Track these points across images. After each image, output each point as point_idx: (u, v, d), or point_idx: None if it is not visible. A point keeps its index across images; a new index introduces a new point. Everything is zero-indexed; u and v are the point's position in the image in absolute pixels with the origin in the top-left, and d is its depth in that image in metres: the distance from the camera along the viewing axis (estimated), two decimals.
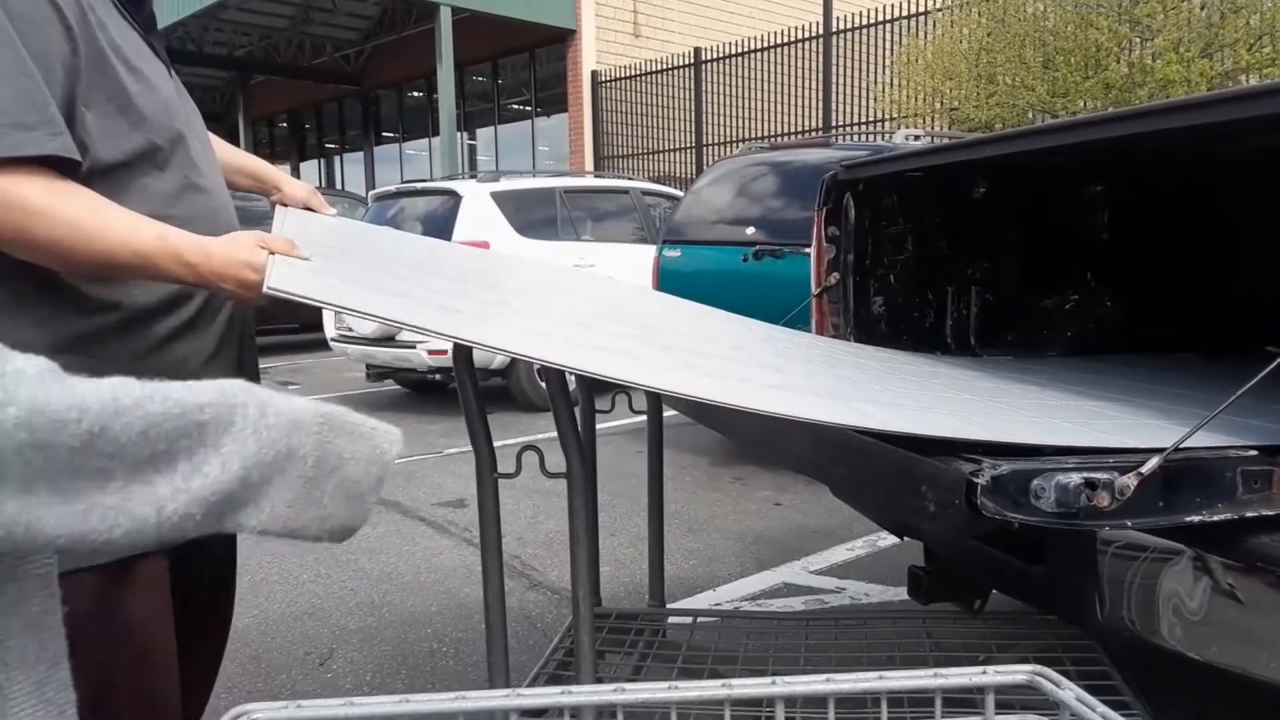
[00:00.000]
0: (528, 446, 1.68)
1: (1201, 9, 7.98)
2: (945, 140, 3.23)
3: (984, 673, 0.89)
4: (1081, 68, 7.96)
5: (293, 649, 2.98)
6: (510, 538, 3.95)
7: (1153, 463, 1.34)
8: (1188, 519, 1.38)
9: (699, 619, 2.54)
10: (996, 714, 0.90)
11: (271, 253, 1.23)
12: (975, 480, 1.33)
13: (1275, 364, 1.38)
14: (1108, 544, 1.56)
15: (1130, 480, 1.33)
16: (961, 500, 1.34)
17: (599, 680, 1.91)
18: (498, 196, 6.94)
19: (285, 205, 1.69)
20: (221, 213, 1.40)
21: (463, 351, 1.57)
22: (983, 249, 2.93)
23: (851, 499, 2.27)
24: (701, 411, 2.28)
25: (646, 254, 6.23)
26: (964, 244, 2.92)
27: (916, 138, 5.25)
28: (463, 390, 1.63)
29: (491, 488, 1.65)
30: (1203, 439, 1.48)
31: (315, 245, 1.38)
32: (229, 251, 1.21)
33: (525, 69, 16.72)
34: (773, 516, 4.27)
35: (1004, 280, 2.97)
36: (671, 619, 2.54)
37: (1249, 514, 1.40)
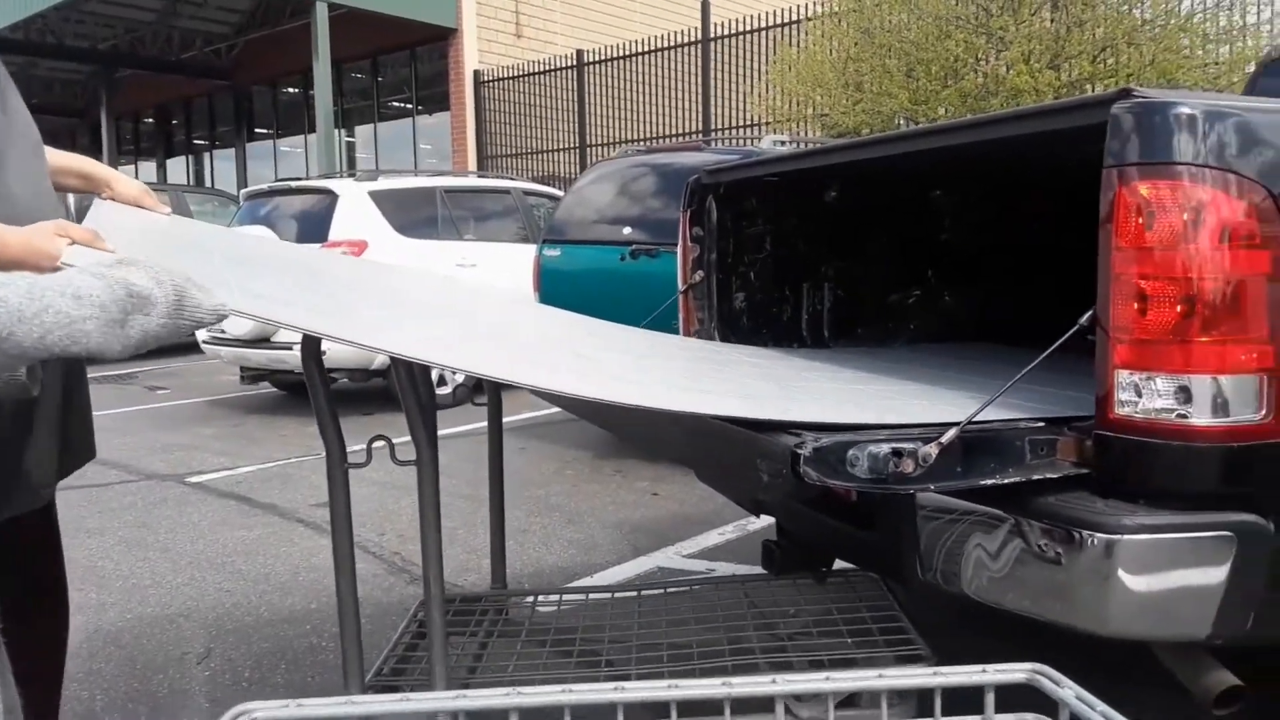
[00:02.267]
0: (378, 437, 1.76)
1: (1050, 23, 8.54)
2: (804, 146, 3.44)
3: (984, 672, 0.91)
4: (940, 77, 8.42)
5: (169, 649, 2.98)
6: (391, 534, 4.00)
7: (951, 433, 1.53)
8: (983, 482, 1.58)
9: (540, 598, 2.65)
10: (996, 714, 0.92)
11: (72, 241, 1.24)
12: (799, 452, 1.50)
13: (1050, 350, 1.60)
14: (924, 509, 1.76)
15: (932, 449, 1.52)
16: (788, 469, 1.51)
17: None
18: (376, 195, 6.91)
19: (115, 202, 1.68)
20: (25, 218, 1.36)
21: (310, 346, 1.65)
22: (835, 248, 3.14)
23: (711, 480, 2.44)
24: (583, 408, 2.41)
25: (528, 253, 6.33)
26: (818, 244, 3.13)
27: (782, 143, 5.50)
28: (310, 383, 1.70)
29: (342, 478, 1.73)
30: (1001, 412, 1.69)
31: (129, 238, 1.39)
32: (25, 239, 1.23)
33: (406, 66, 16.53)
34: (650, 506, 4.43)
35: (854, 277, 3.19)
36: (514, 599, 2.65)
37: (1036, 477, 1.61)
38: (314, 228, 6.74)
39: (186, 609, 3.31)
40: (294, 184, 7.50)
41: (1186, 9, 8.48)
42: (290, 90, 18.76)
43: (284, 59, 17.02)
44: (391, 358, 1.66)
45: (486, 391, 2.57)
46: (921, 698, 0.93)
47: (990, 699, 0.90)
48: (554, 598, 2.63)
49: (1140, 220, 1.49)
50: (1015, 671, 0.90)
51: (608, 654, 2.13)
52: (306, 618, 3.21)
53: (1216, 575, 1.49)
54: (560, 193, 7.72)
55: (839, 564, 2.63)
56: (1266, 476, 1.50)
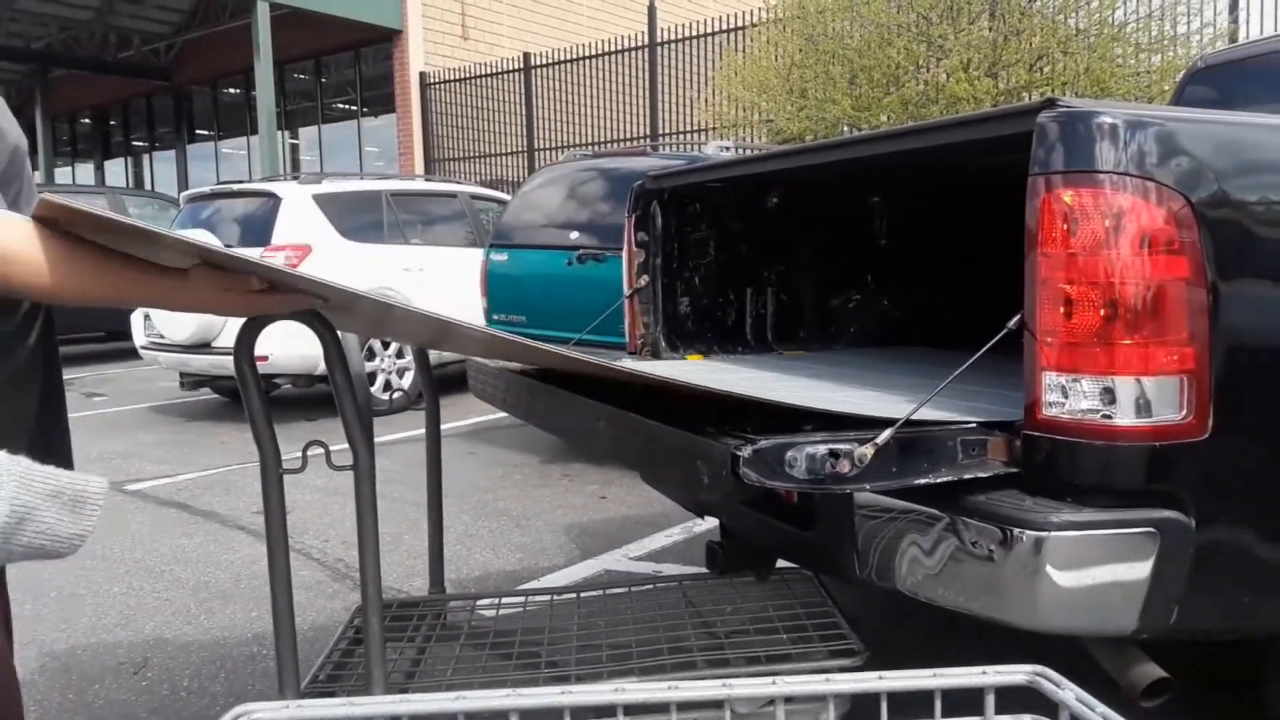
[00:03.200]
0: (313, 442, 1.75)
1: (988, 31, 8.72)
2: (749, 152, 3.48)
3: (984, 673, 0.91)
4: (882, 84, 8.56)
5: (105, 660, 2.92)
6: (335, 541, 3.95)
7: (885, 434, 1.57)
8: (917, 481, 1.62)
9: (479, 602, 2.65)
10: (996, 714, 0.92)
11: None
12: (738, 454, 1.52)
13: (979, 354, 1.64)
14: (862, 508, 1.80)
15: (868, 450, 1.55)
16: (728, 471, 1.53)
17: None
18: (320, 199, 6.83)
19: None
20: None
21: (244, 347, 1.64)
22: (778, 253, 3.19)
23: (655, 483, 2.46)
24: (526, 410, 2.41)
25: (475, 258, 6.30)
26: (761, 249, 3.17)
27: (727, 149, 5.56)
28: (244, 386, 1.69)
29: (276, 484, 1.72)
30: (936, 413, 1.73)
31: None
32: None
33: (350, 68, 16.34)
34: (598, 509, 4.44)
35: (797, 281, 3.23)
36: (453, 603, 2.64)
37: (967, 476, 1.65)
38: (256, 231, 6.64)
39: (124, 619, 3.24)
40: (236, 187, 7.37)
41: (1120, 19, 8.72)
42: (232, 91, 18.44)
43: (225, 59, 16.74)
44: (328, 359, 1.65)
45: (425, 396, 2.56)
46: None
47: (990, 700, 0.91)
48: (493, 601, 2.62)
49: (1065, 227, 1.54)
50: (1015, 673, 0.91)
51: (547, 655, 2.14)
52: (247, 625, 3.16)
53: (1141, 570, 1.54)
54: (508, 197, 7.70)
55: (781, 563, 2.66)
56: (1187, 474, 1.56)
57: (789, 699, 0.90)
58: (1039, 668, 0.91)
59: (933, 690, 0.91)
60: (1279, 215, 1.63)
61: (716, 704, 0.94)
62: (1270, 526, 1.62)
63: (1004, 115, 1.80)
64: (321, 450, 1.81)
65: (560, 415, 2.16)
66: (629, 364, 2.78)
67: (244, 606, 3.33)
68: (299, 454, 1.85)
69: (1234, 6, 8.95)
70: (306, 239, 6.55)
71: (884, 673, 0.90)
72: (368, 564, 1.80)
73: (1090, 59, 8.27)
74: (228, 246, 6.63)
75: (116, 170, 21.16)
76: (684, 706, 0.92)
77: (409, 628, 2.39)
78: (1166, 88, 7.87)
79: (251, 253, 6.52)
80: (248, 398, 1.74)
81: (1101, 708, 0.84)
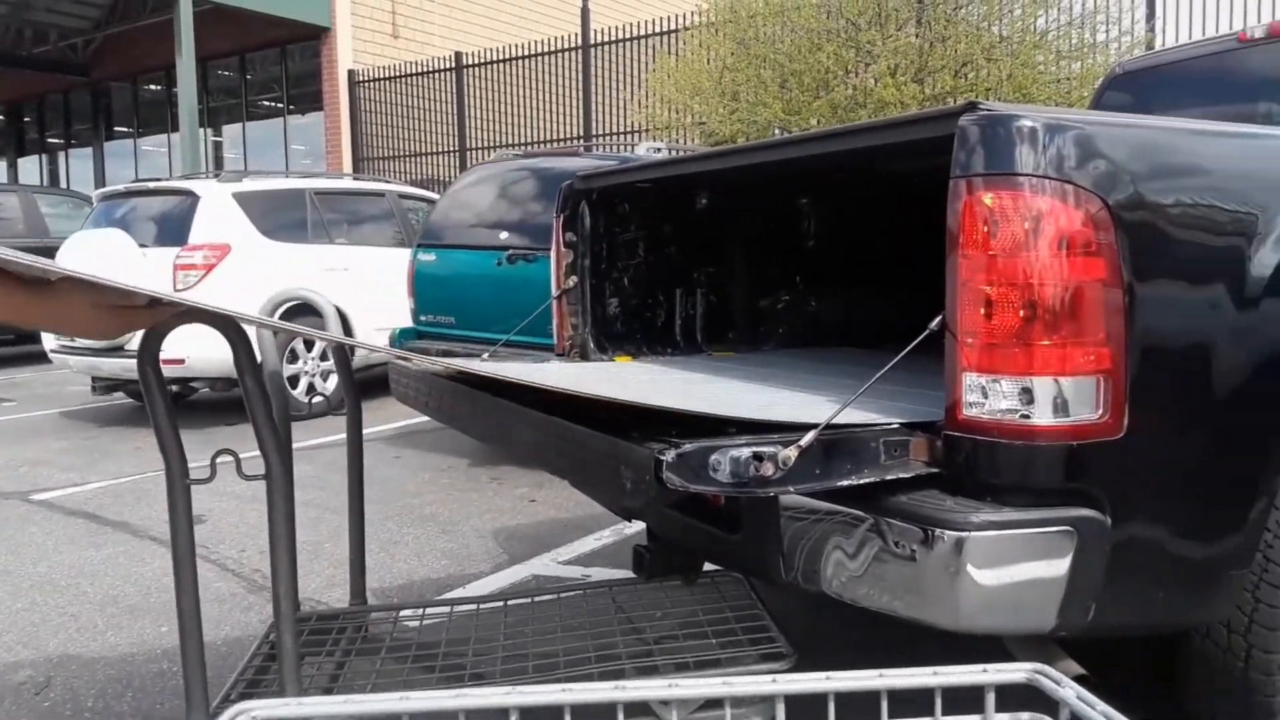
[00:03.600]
0: (222, 451, 1.68)
1: (915, 38, 8.87)
2: (678, 154, 3.46)
3: (984, 671, 0.92)
4: (812, 88, 8.64)
5: (5, 680, 2.77)
6: (253, 551, 3.83)
7: (809, 436, 1.56)
8: (840, 483, 1.61)
9: (402, 612, 2.58)
10: (996, 714, 0.92)
11: None
12: (661, 458, 1.49)
13: (901, 355, 1.64)
14: (787, 510, 1.78)
15: (791, 452, 1.54)
16: (651, 476, 1.50)
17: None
18: (241, 197, 6.64)
19: None
20: None
21: (149, 350, 1.56)
22: (707, 254, 3.17)
23: (581, 487, 2.42)
24: (449, 414, 2.35)
25: (404, 258, 6.18)
26: (690, 250, 3.15)
27: (658, 150, 5.54)
28: (148, 392, 1.61)
29: (183, 494, 1.64)
30: (860, 415, 1.73)
31: None
32: None
33: (276, 65, 15.98)
34: (527, 513, 4.38)
35: (726, 283, 3.22)
36: (374, 615, 2.57)
37: (890, 477, 1.64)
38: (173, 231, 6.43)
39: (26, 636, 3.09)
40: (152, 184, 7.13)
41: (1041, 26, 8.94)
42: (153, 88, 17.91)
43: (146, 55, 16.25)
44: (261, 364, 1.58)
45: (347, 400, 2.48)
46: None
47: (990, 699, 0.90)
48: (417, 612, 2.55)
49: (985, 229, 1.54)
50: (1015, 672, 0.90)
51: (472, 667, 2.08)
52: (157, 641, 3.04)
53: (1058, 568, 1.55)
54: (437, 196, 7.60)
55: (709, 566, 2.64)
56: (1104, 473, 1.58)
57: (786, 696, 0.90)
58: (1039, 666, 0.90)
59: (933, 689, 0.90)
60: (1192, 217, 1.65)
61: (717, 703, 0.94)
62: (1182, 523, 1.65)
63: (926, 118, 1.81)
64: (232, 458, 1.74)
65: (482, 419, 2.11)
66: (553, 367, 2.74)
67: (154, 621, 3.19)
68: (208, 463, 1.77)
69: (1150, 15, 9.24)
70: (225, 238, 6.36)
71: (884, 671, 0.90)
72: (281, 578, 1.73)
73: (1013, 66, 8.46)
74: (142, 246, 6.42)
75: (31, 168, 20.39)
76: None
77: (328, 641, 2.31)
78: (1086, 94, 8.09)
79: (168, 252, 6.32)
80: (152, 404, 1.66)
81: (1102, 705, 0.84)
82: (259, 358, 2.17)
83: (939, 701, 0.91)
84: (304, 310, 5.79)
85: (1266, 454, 1.68)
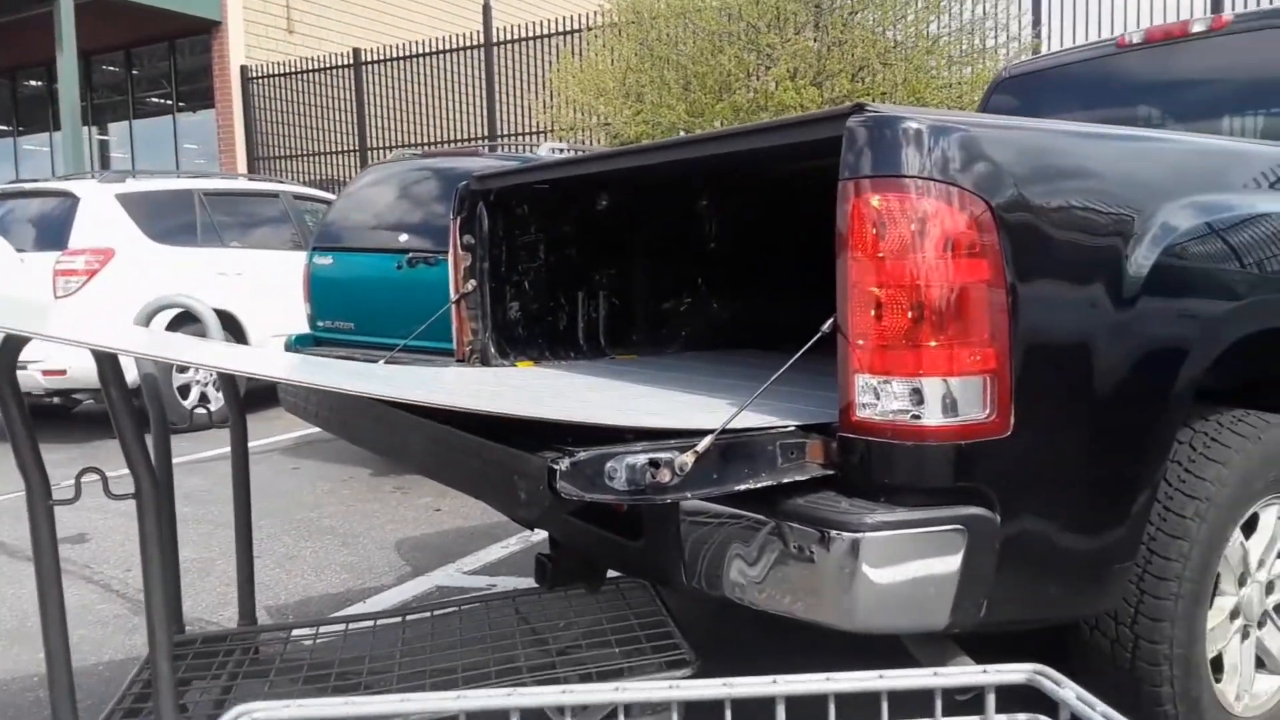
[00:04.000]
0: (87, 469, 1.59)
1: (814, 42, 9.01)
2: (578, 155, 3.43)
3: (984, 672, 0.93)
4: (715, 91, 8.70)
5: None
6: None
7: (705, 441, 1.54)
8: (738, 488, 1.60)
9: (294, 632, 2.49)
10: (996, 714, 0.93)
11: None
12: (555, 467, 1.46)
13: (795, 358, 1.64)
14: (687, 516, 1.77)
15: (688, 458, 1.52)
16: (545, 486, 1.47)
17: (182, 709, 1.83)
18: (125, 199, 6.35)
19: None
20: None
21: (4, 363, 1.46)
22: (609, 257, 3.15)
23: (478, 498, 2.36)
24: (340, 425, 2.27)
25: (300, 261, 6.00)
26: (592, 252, 3.12)
27: (561, 150, 5.50)
28: (4, 409, 1.51)
29: (46, 516, 1.55)
30: (756, 419, 1.72)
31: None
32: None
33: (165, 60, 15.37)
34: (432, 522, 4.29)
35: (628, 286, 3.21)
36: (265, 635, 2.47)
37: (786, 480, 1.64)
38: (52, 234, 6.11)
39: None
40: (29, 185, 6.77)
41: (934, 32, 9.19)
42: (33, 83, 17.03)
43: (26, 49, 15.39)
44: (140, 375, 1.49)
45: (230, 411, 2.38)
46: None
47: (991, 700, 0.90)
48: (310, 630, 2.46)
49: (873, 231, 1.56)
50: (1015, 672, 0.90)
51: (367, 686, 2.01)
52: (35, 667, 2.86)
53: (950, 566, 1.57)
54: (335, 197, 7.40)
55: (613, 573, 2.62)
56: (992, 471, 1.61)
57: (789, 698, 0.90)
58: (1039, 667, 0.91)
59: (932, 689, 0.91)
60: (1073, 218, 1.70)
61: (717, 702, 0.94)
62: (1068, 519, 1.69)
63: (816, 120, 1.82)
64: (99, 476, 1.64)
65: (373, 430, 2.04)
66: (450, 374, 2.68)
67: (31, 647, 3.01)
68: (73, 481, 1.67)
69: (1036, 21, 9.59)
70: (109, 242, 6.07)
71: (884, 671, 0.90)
72: (155, 604, 1.65)
73: (907, 70, 8.68)
74: (20, 251, 6.09)
75: None
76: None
77: (214, 665, 2.21)
78: (977, 98, 8.34)
79: (47, 257, 6.01)
80: (9, 421, 1.56)
81: (1102, 706, 0.84)
82: (141, 368, 2.06)
83: (939, 702, 0.92)
84: (188, 318, 5.56)
85: (1145, 448, 1.74)
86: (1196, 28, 3.17)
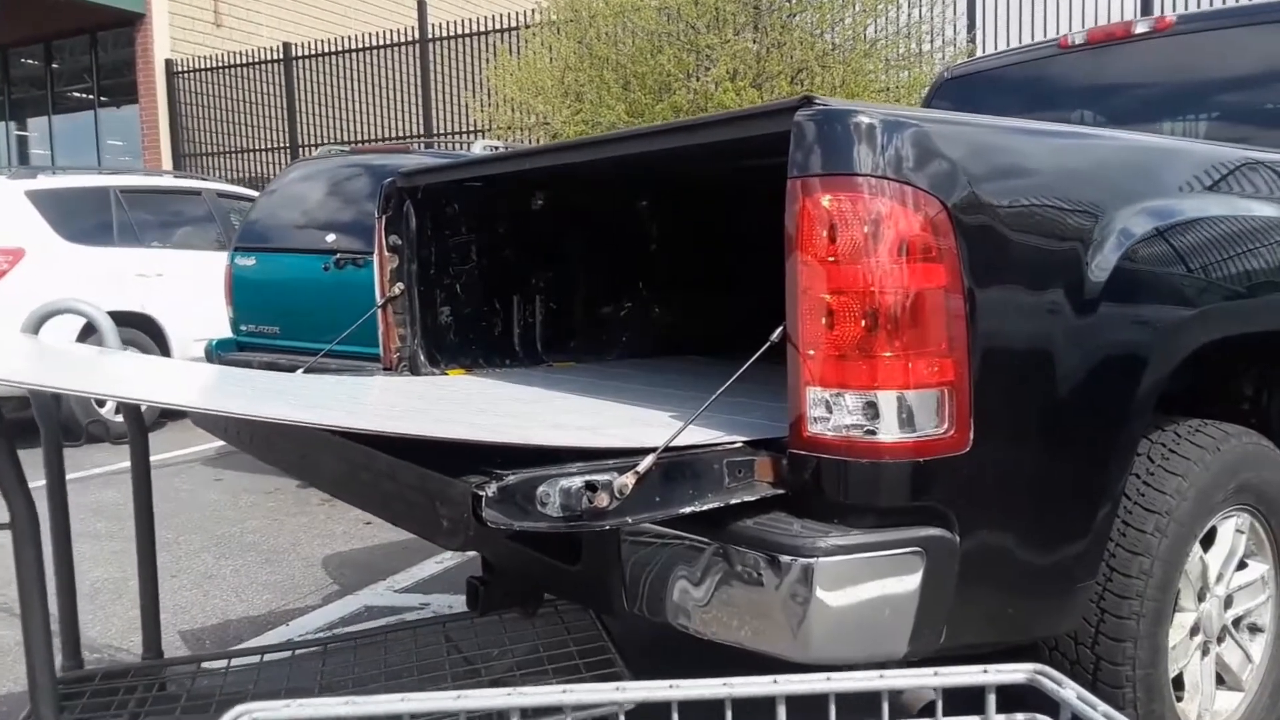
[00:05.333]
0: None
1: (753, 43, 8.96)
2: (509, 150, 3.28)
3: (984, 672, 0.91)
4: (654, 90, 8.60)
5: None
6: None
7: (647, 462, 1.42)
8: (682, 510, 1.48)
9: (203, 665, 2.31)
10: (996, 714, 0.91)
11: None
12: (480, 493, 1.32)
13: (742, 370, 1.53)
14: (628, 539, 1.64)
15: (629, 479, 1.40)
16: (469, 514, 1.33)
17: None
18: (35, 196, 6.02)
19: None
20: None
21: None
22: (545, 259, 3.01)
23: (396, 524, 2.21)
24: (248, 439, 2.10)
25: (224, 262, 5.74)
26: (527, 254, 2.98)
27: (495, 148, 5.35)
28: None
29: None
30: (701, 434, 1.61)
31: None
32: None
33: (86, 53, 14.80)
34: (362, 537, 4.10)
35: (566, 290, 3.07)
36: (171, 668, 2.29)
37: (734, 501, 1.53)
38: None
39: None
40: None
41: (871, 35, 9.21)
42: None
43: None
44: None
45: (128, 425, 2.19)
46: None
47: (991, 700, 0.89)
48: (221, 663, 2.28)
49: (824, 233, 1.45)
50: (1016, 672, 0.90)
51: None
52: None
53: (909, 592, 1.47)
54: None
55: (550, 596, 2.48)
56: (951, 489, 1.51)
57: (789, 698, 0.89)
58: (1040, 666, 0.90)
59: (933, 689, 0.91)
60: (1031, 220, 1.61)
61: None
62: (1029, 537, 1.61)
63: (762, 114, 1.71)
64: None
65: (281, 446, 1.88)
66: (376, 383, 2.52)
67: None
68: None
69: (971, 25, 9.68)
70: (19, 241, 5.75)
71: (885, 672, 0.90)
72: (35, 646, 1.47)
73: (845, 73, 8.67)
74: None
75: None
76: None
77: (114, 704, 2.02)
78: (914, 101, 8.37)
79: None
80: None
81: (1103, 706, 0.84)
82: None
83: (939, 702, 0.91)
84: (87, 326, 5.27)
85: (1107, 461, 1.66)
86: (1140, 29, 3.14)
